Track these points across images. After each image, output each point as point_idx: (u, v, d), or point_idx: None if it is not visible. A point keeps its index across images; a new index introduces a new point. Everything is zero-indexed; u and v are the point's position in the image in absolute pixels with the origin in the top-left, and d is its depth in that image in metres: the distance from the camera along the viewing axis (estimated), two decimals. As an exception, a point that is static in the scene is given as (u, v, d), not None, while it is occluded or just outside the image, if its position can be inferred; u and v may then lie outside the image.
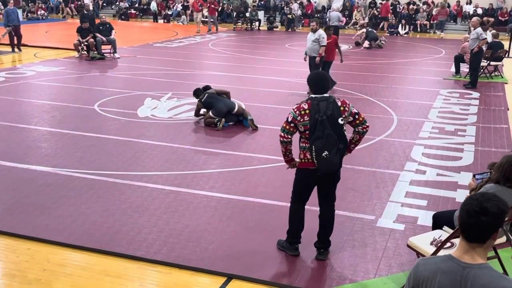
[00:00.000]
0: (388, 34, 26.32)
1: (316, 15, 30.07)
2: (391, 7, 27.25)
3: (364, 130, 4.87)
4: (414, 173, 7.34)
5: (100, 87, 12.61)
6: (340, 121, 4.67)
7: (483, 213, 2.26)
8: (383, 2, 27.98)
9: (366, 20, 28.24)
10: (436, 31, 26.97)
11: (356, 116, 4.79)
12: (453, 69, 15.21)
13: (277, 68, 15.69)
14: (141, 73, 14.54)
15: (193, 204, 6.20)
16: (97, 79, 13.95)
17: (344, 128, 4.74)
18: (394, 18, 26.91)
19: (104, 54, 16.84)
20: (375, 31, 22.12)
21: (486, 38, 13.43)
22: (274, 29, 28.11)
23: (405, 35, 26.28)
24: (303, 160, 4.83)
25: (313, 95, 4.79)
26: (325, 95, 4.76)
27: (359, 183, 6.98)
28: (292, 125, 4.71)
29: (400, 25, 26.63)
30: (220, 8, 30.59)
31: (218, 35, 24.77)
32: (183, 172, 7.28)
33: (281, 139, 4.80)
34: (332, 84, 11.83)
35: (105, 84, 13.21)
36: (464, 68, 15.01)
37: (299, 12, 28.50)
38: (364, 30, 22.04)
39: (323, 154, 4.59)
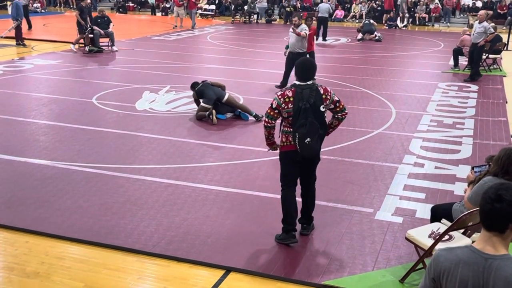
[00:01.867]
0: (387, 27, 26.27)
1: (314, 8, 29.99)
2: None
3: (343, 116, 5.12)
4: (412, 166, 7.35)
5: (98, 80, 12.58)
6: (321, 108, 4.90)
7: (497, 200, 2.27)
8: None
9: (364, 11, 28.18)
10: (438, 23, 26.86)
11: (337, 104, 5.03)
12: (451, 62, 15.20)
13: (275, 61, 15.65)
14: (139, 66, 14.50)
15: (191, 197, 6.20)
16: (95, 72, 13.91)
17: (325, 115, 4.98)
18: (394, 11, 26.83)
19: (102, 47, 16.79)
20: (372, 25, 22.03)
21: (494, 32, 13.33)
22: (273, 22, 28.03)
23: (404, 28, 26.23)
24: (285, 143, 5.03)
25: (297, 82, 4.95)
26: (309, 82, 4.92)
27: (357, 176, 6.98)
28: (276, 111, 4.92)
29: (398, 18, 26.57)
30: (217, 1, 30.50)
31: (217, 28, 24.70)
32: (181, 165, 7.27)
33: (265, 124, 5.05)
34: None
35: (103, 77, 13.17)
36: (463, 61, 15.00)
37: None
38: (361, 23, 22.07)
39: (306, 141, 4.82)
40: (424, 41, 21.44)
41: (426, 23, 27.52)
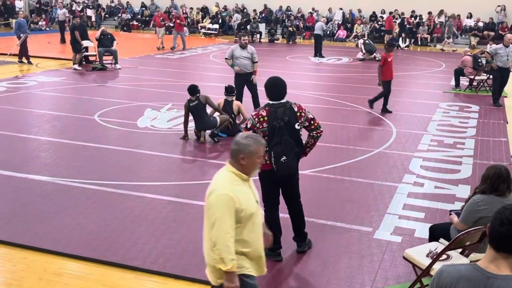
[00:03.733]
0: (389, 47, 26.36)
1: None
2: (395, 20, 27.36)
3: (318, 134, 5.12)
4: (412, 186, 7.35)
5: (101, 98, 12.66)
6: (296, 126, 4.94)
7: None
8: (386, 15, 28.15)
9: (366, 31, 28.38)
10: (440, 43, 27.00)
11: (312, 122, 5.04)
12: (453, 83, 15.26)
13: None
14: (142, 84, 14.59)
15: (190, 215, 6.21)
16: (97, 89, 14.00)
17: (300, 133, 5.02)
18: (398, 31, 26.98)
19: (106, 65, 16.93)
20: (372, 44, 22.18)
21: None
22: (275, 41, 28.24)
23: (406, 48, 26.37)
24: (263, 163, 4.89)
25: (270, 102, 4.99)
26: (282, 101, 4.97)
27: (357, 195, 6.98)
28: (251, 131, 4.87)
29: (400, 38, 26.73)
30: (221, 20, 30.76)
31: (219, 46, 24.86)
32: (181, 182, 7.29)
33: None
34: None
35: (106, 94, 13.25)
36: (464, 81, 15.06)
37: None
38: (361, 41, 22.22)
39: (282, 159, 4.86)
40: (425, 61, 21.54)
41: (428, 44, 27.66)
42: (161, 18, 23.51)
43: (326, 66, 19.64)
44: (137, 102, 12.13)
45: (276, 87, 5.03)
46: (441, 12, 27.73)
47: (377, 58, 21.12)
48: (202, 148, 8.99)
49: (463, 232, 4.26)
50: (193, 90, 9.36)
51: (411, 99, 13.75)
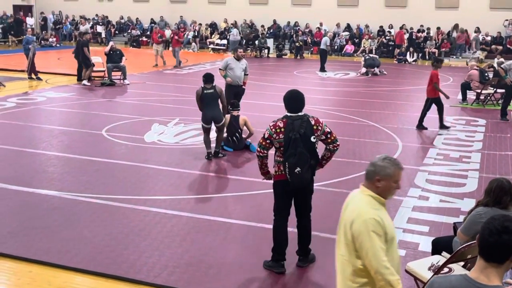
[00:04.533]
0: (397, 62, 26.47)
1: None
2: (405, 34, 27.43)
3: (335, 148, 5.19)
4: (417, 199, 7.34)
5: (109, 113, 12.78)
6: (312, 139, 5.02)
7: (504, 232, 2.28)
8: (395, 30, 28.28)
9: (374, 46, 28.49)
10: (448, 58, 27.02)
11: (328, 135, 5.11)
12: (460, 97, 15.24)
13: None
14: (149, 99, 14.72)
15: (195, 229, 6.24)
16: (106, 105, 14.14)
17: (316, 145, 5.09)
18: (406, 46, 27.05)
19: (114, 81, 17.10)
20: (373, 59, 22.21)
21: None
22: (283, 56, 28.38)
23: (413, 62, 26.40)
24: (277, 173, 5.16)
25: (288, 114, 5.09)
26: (300, 114, 5.08)
27: (361, 208, 6.97)
28: (268, 141, 5.07)
29: (408, 53, 26.78)
30: (229, 36, 30.95)
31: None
32: (186, 196, 7.33)
33: (258, 153, 5.21)
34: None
35: (114, 109, 13.38)
36: (471, 95, 15.04)
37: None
38: (363, 57, 22.36)
39: (296, 170, 4.93)
40: (433, 76, 21.52)
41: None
42: (159, 34, 23.05)
43: (333, 81, 19.71)
44: (145, 117, 12.23)
45: (294, 100, 5.16)
46: (456, 27, 27.77)
47: (376, 72, 21.15)
48: (207, 162, 9.02)
49: (464, 245, 4.26)
50: (209, 77, 9.15)
51: (417, 113, 13.71)
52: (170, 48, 23.67)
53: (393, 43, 28.28)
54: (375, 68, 21.36)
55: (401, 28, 27.99)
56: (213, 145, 9.27)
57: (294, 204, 5.30)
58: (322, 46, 21.99)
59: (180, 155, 9.35)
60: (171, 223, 6.39)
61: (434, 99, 11.49)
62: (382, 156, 3.35)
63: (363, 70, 21.39)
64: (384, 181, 3.22)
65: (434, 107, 11.57)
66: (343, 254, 3.28)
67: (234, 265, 5.39)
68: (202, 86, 9.09)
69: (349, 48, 29.21)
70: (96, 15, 34.48)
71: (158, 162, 8.90)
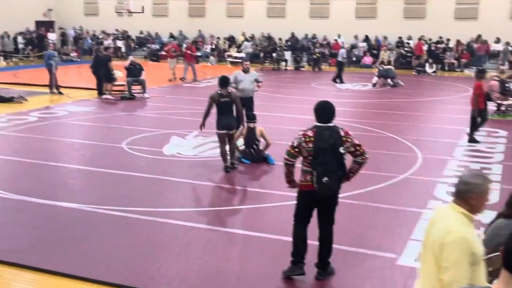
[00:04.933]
0: (416, 73, 26.37)
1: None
2: (424, 46, 27.32)
3: (364, 160, 5.25)
4: (437, 211, 7.26)
5: (129, 126, 12.92)
6: (341, 150, 5.07)
7: None
8: (414, 41, 28.23)
9: (393, 57, 28.42)
10: (467, 69, 26.80)
11: (357, 148, 5.18)
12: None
13: (303, 106, 15.81)
14: (169, 112, 14.85)
15: (213, 240, 6.27)
16: (126, 118, 14.30)
17: (344, 156, 5.13)
18: (427, 57, 26.95)
19: (134, 94, 17.29)
20: (388, 70, 22.17)
21: None
22: (301, 68, 28.44)
23: (433, 74, 26.26)
24: (303, 182, 5.20)
25: (318, 124, 5.16)
26: (330, 124, 5.15)
27: (380, 221, 6.95)
28: (296, 149, 5.13)
29: (427, 64, 26.65)
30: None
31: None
32: (205, 208, 7.37)
33: (285, 161, 5.25)
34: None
35: (134, 123, 13.53)
36: (492, 106, 14.89)
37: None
38: (376, 69, 22.34)
39: (323, 180, 4.98)
40: (452, 87, 21.41)
41: (455, 69, 27.49)
42: (173, 49, 22.89)
43: (351, 92, 19.69)
44: (164, 130, 12.33)
45: (325, 110, 5.22)
46: (478, 37, 27.57)
47: (390, 83, 21.11)
48: (226, 175, 9.06)
49: (484, 257, 4.21)
50: (225, 82, 9.07)
51: (437, 124, 13.66)
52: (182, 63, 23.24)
53: (411, 54, 28.20)
54: (389, 79, 21.32)
55: (420, 39, 27.89)
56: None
57: (317, 215, 5.33)
58: (339, 58, 22.17)
59: (198, 167, 9.41)
60: (189, 235, 6.42)
61: (479, 110, 11.28)
62: (472, 173, 3.35)
63: (375, 79, 21.39)
64: (478, 198, 3.23)
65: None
66: (430, 272, 3.25)
67: (253, 277, 5.39)
68: (219, 91, 9.01)
69: (368, 59, 29.17)
70: (116, 30, 34.97)
71: (177, 175, 8.96)
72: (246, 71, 11.32)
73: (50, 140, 11.50)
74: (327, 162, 4.97)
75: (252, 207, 7.48)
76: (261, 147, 9.81)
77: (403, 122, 13.71)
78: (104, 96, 17.15)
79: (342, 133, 5.12)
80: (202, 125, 9.14)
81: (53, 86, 18.02)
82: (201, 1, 33.42)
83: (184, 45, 24.87)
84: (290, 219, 6.86)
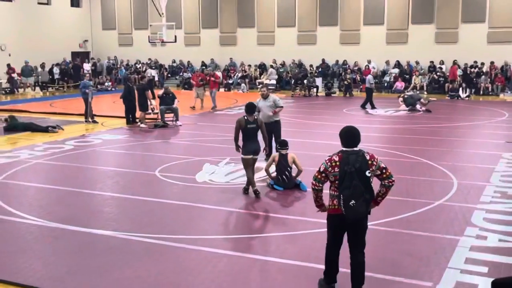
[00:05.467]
0: (449, 98, 26.07)
1: (374, 80, 30.24)
2: (458, 69, 27.04)
3: (390, 184, 5.27)
4: (474, 239, 7.09)
5: (162, 154, 13.07)
6: (367, 173, 5.12)
7: None
8: (447, 65, 28.00)
9: (425, 82, 28.22)
10: (502, 93, 26.37)
11: (384, 171, 5.24)
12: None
13: (335, 132, 15.75)
14: (201, 139, 14.98)
15: (246, 268, 6.23)
16: (159, 146, 14.48)
17: (371, 180, 5.18)
18: (461, 81, 26.66)
19: (167, 122, 17.54)
20: (413, 96, 22.09)
21: None
22: (332, 94, 28.42)
23: (466, 98, 25.90)
24: (331, 207, 5.32)
25: (344, 148, 5.28)
26: (355, 148, 5.25)
27: (416, 248, 6.81)
28: (323, 175, 5.26)
29: (460, 88, 26.33)
30: (278, 76, 31.35)
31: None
32: (237, 236, 7.35)
33: (313, 186, 5.37)
34: None
35: (166, 150, 13.68)
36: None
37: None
38: (401, 99, 22.15)
39: (350, 203, 5.04)
40: (487, 111, 21.06)
41: (490, 93, 27.07)
42: (200, 78, 22.35)
43: (383, 118, 19.55)
44: (196, 157, 12.43)
45: (350, 135, 5.33)
46: None
47: (419, 108, 20.97)
48: (258, 202, 9.05)
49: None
50: (251, 108, 9.36)
51: (472, 149, 13.41)
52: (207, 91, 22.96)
53: (444, 79, 27.94)
54: (417, 105, 21.18)
55: (454, 63, 27.58)
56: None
57: (347, 239, 5.37)
58: (367, 85, 22.14)
59: (231, 194, 9.42)
60: (222, 263, 6.41)
61: None
62: None
63: (403, 107, 21.33)
64: None
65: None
66: None
67: (286, 306, 5.33)
68: (245, 118, 9.24)
69: (399, 85, 29.00)
70: (149, 59, 35.69)
71: (209, 202, 8.99)
72: (264, 97, 11.52)
73: (85, 168, 11.71)
74: (353, 185, 5.04)
75: (284, 234, 7.43)
76: (293, 174, 9.79)
77: (438, 147, 13.51)
78: (139, 125, 17.43)
79: (368, 157, 5.20)
80: (237, 147, 9.36)
81: (88, 115, 18.40)
82: (232, 30, 33.92)
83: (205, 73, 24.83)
84: (323, 247, 6.79)
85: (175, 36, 30.81)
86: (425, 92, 28.14)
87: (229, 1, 33.66)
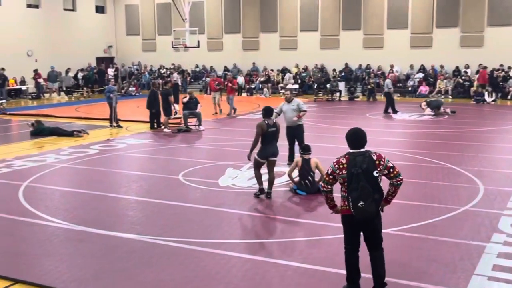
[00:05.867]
0: (475, 102, 25.72)
1: (398, 84, 30.06)
2: (488, 74, 26.68)
3: (399, 182, 5.35)
4: (502, 245, 6.97)
5: (185, 158, 13.14)
6: (375, 173, 5.21)
7: None
8: (472, 69, 27.65)
9: (450, 87, 27.92)
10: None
11: (391, 170, 5.32)
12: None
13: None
14: (223, 144, 15.03)
15: (269, 273, 6.21)
16: (182, 150, 14.56)
17: (380, 179, 5.26)
18: (486, 85, 26.29)
19: (190, 127, 17.64)
20: (439, 99, 21.93)
21: None
22: (355, 99, 28.27)
23: (492, 102, 25.52)
24: (343, 207, 5.43)
25: (350, 150, 5.37)
26: (362, 150, 5.33)
27: (442, 254, 6.71)
28: (331, 177, 5.39)
29: (486, 93, 25.95)
30: (300, 80, 31.31)
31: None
32: (260, 240, 7.34)
33: (322, 188, 5.53)
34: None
35: (190, 155, 13.75)
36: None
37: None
38: (424, 103, 21.92)
39: (359, 204, 5.14)
40: (514, 115, 20.72)
41: (517, 97, 26.65)
42: (216, 82, 22.04)
43: (408, 123, 19.37)
44: (219, 161, 12.46)
45: (356, 137, 5.40)
46: None
47: (448, 112, 20.82)
48: (281, 206, 9.04)
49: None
50: (269, 112, 9.57)
51: (499, 154, 13.19)
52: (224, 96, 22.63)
53: (469, 83, 27.57)
54: (442, 108, 21.03)
55: (484, 68, 27.05)
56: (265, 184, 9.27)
57: (364, 239, 5.48)
58: (385, 89, 22.04)
59: (253, 199, 9.42)
60: (245, 267, 6.40)
61: None
62: None
63: (429, 111, 21.12)
64: None
65: None
66: None
67: (310, 312, 5.30)
68: (266, 121, 9.33)
69: (424, 89, 28.72)
70: (172, 64, 35.96)
71: (232, 206, 9.00)
72: (288, 100, 11.67)
73: (110, 172, 11.83)
74: (361, 186, 5.13)
75: (308, 239, 7.39)
76: (316, 179, 9.75)
77: (463, 152, 13.32)
78: (164, 129, 17.57)
79: (375, 157, 5.27)
80: (250, 155, 9.45)
81: (113, 119, 18.60)
82: (255, 34, 34.00)
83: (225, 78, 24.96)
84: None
85: (198, 41, 31.02)
86: (450, 97, 27.83)
87: (252, 6, 33.77)
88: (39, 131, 17.02)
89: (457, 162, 12.08)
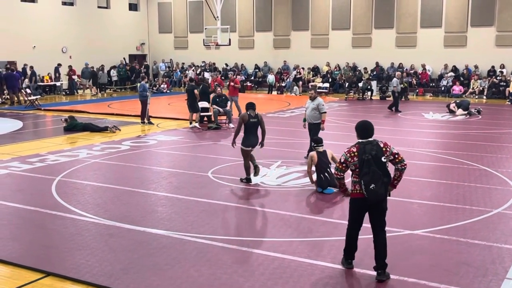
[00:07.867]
0: (509, 103, 25.17)
1: (431, 84, 29.63)
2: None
3: (403, 167, 5.96)
4: (536, 250, 6.81)
5: (215, 155, 13.21)
6: (383, 159, 5.84)
7: None
8: (505, 70, 27.01)
9: (486, 86, 27.37)
10: None
11: (396, 156, 5.94)
12: None
13: (390, 137, 15.50)
14: (253, 142, 15.00)
15: (297, 272, 6.21)
16: (212, 147, 14.64)
17: (387, 165, 5.87)
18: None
19: (220, 124, 17.71)
20: (466, 99, 21.61)
21: None
22: (387, 98, 27.97)
23: (527, 103, 24.93)
24: (354, 191, 5.99)
25: (360, 140, 5.98)
26: (370, 139, 5.96)
27: (473, 257, 6.60)
28: (344, 165, 6.01)
29: (521, 93, 25.39)
30: (331, 79, 31.13)
31: (330, 104, 25.01)
32: (288, 238, 7.33)
33: (336, 176, 6.16)
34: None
35: (219, 152, 13.82)
36: None
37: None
38: (453, 104, 21.55)
39: (371, 187, 5.73)
40: (551, 117, 20.20)
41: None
42: (216, 83, 20.46)
43: (440, 123, 19.08)
44: (249, 159, 12.46)
45: (364, 128, 6.05)
46: None
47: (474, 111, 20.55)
48: (310, 205, 9.01)
49: None
50: (253, 105, 10.41)
51: (534, 156, 12.88)
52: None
53: (505, 83, 26.99)
54: (472, 109, 20.75)
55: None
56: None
57: (370, 220, 6.01)
58: (392, 88, 22.04)
59: (282, 196, 9.42)
60: (273, 265, 6.40)
61: None
62: None
63: (460, 112, 20.76)
64: None
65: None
66: None
67: (337, 311, 5.27)
68: (248, 113, 10.26)
69: (457, 89, 28.24)
70: (203, 62, 36.16)
71: (261, 204, 9.02)
72: (312, 98, 12.14)
73: (141, 168, 11.97)
74: (372, 170, 5.71)
75: (336, 238, 7.34)
76: (333, 170, 9.67)
77: (496, 154, 13.06)
78: (193, 125, 17.69)
79: (382, 145, 5.90)
80: (234, 143, 10.45)
81: (145, 116, 18.81)
82: (286, 32, 33.92)
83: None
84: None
85: (230, 39, 31.10)
86: (485, 97, 27.31)
87: (283, 4, 33.70)
88: (72, 126, 17.33)
89: (490, 163, 11.86)
